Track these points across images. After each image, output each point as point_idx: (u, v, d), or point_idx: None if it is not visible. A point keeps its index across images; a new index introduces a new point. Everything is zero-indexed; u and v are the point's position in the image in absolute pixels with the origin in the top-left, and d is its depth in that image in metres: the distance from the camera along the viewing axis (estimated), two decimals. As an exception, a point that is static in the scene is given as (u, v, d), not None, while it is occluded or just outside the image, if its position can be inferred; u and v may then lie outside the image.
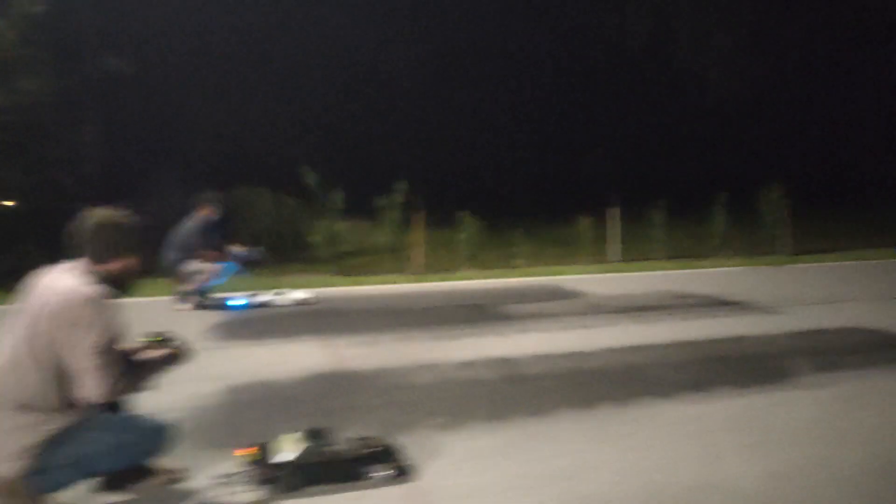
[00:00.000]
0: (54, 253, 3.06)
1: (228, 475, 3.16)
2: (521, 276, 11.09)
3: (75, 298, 2.63)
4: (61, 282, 2.69)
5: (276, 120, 15.68)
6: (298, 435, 3.27)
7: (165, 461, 3.13)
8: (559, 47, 19.60)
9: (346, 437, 3.41)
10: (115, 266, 2.83)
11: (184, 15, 15.13)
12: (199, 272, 8.13)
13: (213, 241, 8.33)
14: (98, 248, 2.80)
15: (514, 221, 13.62)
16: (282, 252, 13.28)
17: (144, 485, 3.09)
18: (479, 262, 11.90)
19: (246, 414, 4.32)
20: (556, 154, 18.91)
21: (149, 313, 8.19)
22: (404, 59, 17.52)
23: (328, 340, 6.32)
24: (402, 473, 3.24)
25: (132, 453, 2.83)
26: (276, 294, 8.48)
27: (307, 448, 3.15)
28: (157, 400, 4.49)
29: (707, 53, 21.89)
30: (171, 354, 2.97)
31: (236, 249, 8.53)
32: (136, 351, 2.95)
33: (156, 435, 2.88)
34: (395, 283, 10.51)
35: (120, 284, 2.85)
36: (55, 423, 2.65)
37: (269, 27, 16.24)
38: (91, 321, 2.61)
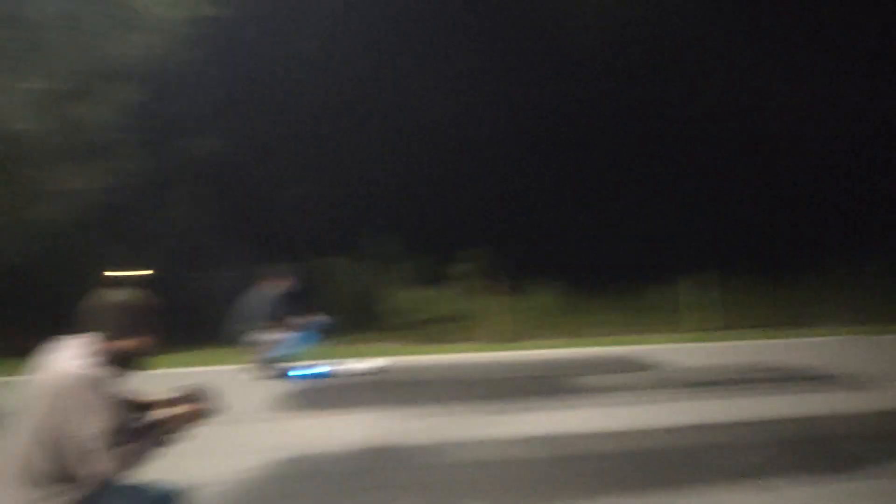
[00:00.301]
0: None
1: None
2: (599, 345, 10.73)
3: (76, 382, 2.67)
4: (65, 362, 2.75)
5: (349, 188, 16.16)
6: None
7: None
8: (650, 108, 19.30)
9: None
10: (128, 344, 2.88)
11: (262, 97, 16.13)
12: (269, 342, 8.30)
13: (283, 311, 8.52)
14: (115, 326, 2.85)
15: (596, 286, 13.27)
16: (358, 321, 13.48)
17: None
18: (558, 329, 11.62)
19: (283, 489, 4.27)
20: (646, 214, 18.45)
21: (216, 382, 8.41)
22: (487, 124, 17.78)
23: (386, 412, 6.24)
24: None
25: None
26: (343, 364, 8.51)
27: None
28: (201, 469, 4.59)
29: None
30: (192, 412, 2.94)
31: (306, 319, 8.67)
32: (156, 405, 2.97)
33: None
34: (467, 351, 10.40)
35: (129, 362, 2.89)
36: (67, 497, 2.67)
37: (343, 99, 16.91)
38: (92, 404, 2.64)
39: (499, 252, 11.79)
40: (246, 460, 4.81)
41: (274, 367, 8.42)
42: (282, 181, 16.09)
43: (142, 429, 2.78)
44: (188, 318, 13.90)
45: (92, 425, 2.61)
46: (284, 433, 5.66)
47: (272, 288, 8.50)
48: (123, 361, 2.86)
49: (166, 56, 12.23)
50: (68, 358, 2.77)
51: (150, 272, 16.01)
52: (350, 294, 14.62)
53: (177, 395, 3.04)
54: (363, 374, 8.37)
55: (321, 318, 8.79)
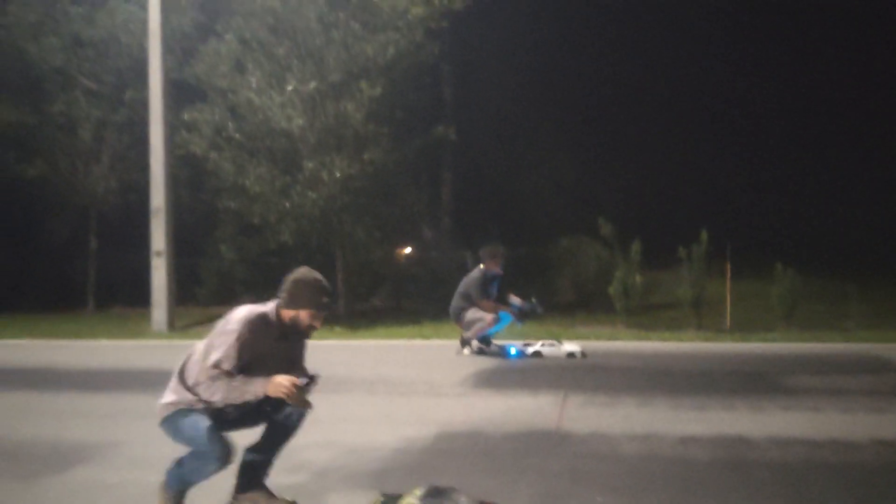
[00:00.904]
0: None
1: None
2: (844, 341, 9.50)
3: (228, 317, 3.33)
4: (245, 306, 3.43)
5: (560, 167, 16.08)
6: (420, 491, 3.37)
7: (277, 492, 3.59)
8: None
9: (472, 499, 3.39)
10: (287, 314, 3.42)
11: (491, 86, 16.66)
12: (478, 321, 8.68)
13: (493, 292, 8.84)
14: (285, 297, 3.43)
15: (841, 275, 11.74)
16: (581, 303, 13.41)
17: (266, 502, 3.56)
18: (796, 321, 10.50)
19: (430, 462, 4.51)
20: None
21: (429, 355, 9.02)
22: (706, 99, 16.56)
23: (568, 397, 6.24)
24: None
25: (188, 458, 3.33)
26: (549, 345, 8.60)
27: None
28: (367, 433, 5.04)
29: None
30: (288, 392, 3.24)
31: (514, 301, 8.90)
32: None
33: (205, 456, 3.26)
34: (688, 340, 9.86)
35: (290, 330, 3.45)
36: (184, 397, 3.32)
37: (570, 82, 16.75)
38: (226, 337, 3.25)
39: (733, 236, 10.91)
40: (413, 430, 5.15)
41: (483, 344, 8.80)
42: (521, 167, 16.57)
43: (239, 385, 3.25)
44: (419, 294, 15.04)
45: (212, 352, 3.23)
46: (462, 409, 5.95)
47: (483, 270, 8.84)
48: (284, 326, 3.43)
49: (412, 51, 13.16)
50: (249, 306, 3.43)
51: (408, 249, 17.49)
52: (578, 276, 14.63)
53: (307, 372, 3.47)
54: (569, 356, 8.38)
55: (529, 301, 8.94)
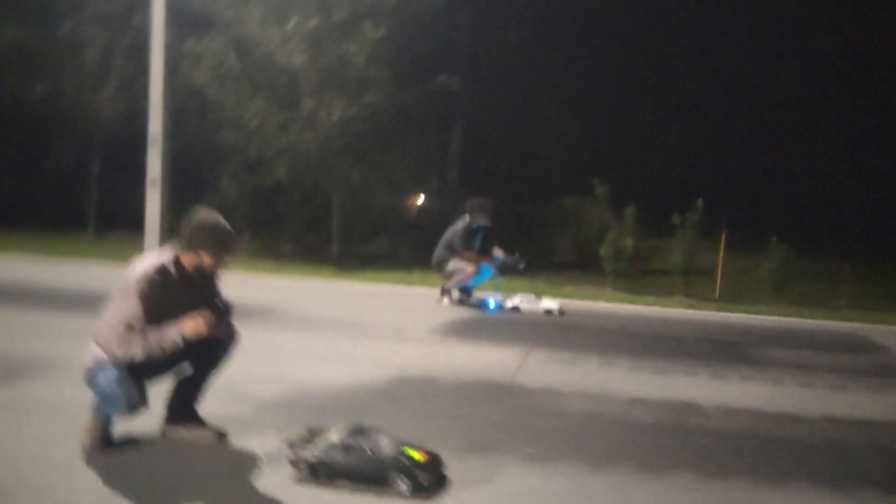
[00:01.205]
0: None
1: (269, 453, 3.40)
2: (830, 318, 9.40)
3: (132, 271, 3.25)
4: (139, 261, 3.30)
5: (569, 127, 15.83)
6: (343, 427, 3.37)
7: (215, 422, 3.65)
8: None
9: (395, 440, 3.38)
10: (188, 258, 3.34)
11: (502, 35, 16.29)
12: (459, 271, 8.64)
13: (476, 244, 8.77)
14: (184, 241, 3.35)
15: (841, 253, 11.56)
16: (579, 264, 13.34)
17: (195, 431, 3.62)
18: (786, 297, 10.39)
19: (374, 404, 4.51)
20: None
21: (409, 302, 9.01)
22: (708, 68, 16.14)
23: (532, 352, 6.22)
24: (420, 491, 3.14)
25: (101, 398, 3.31)
26: (528, 300, 8.56)
27: (332, 444, 3.25)
28: (321, 372, 5.05)
29: None
30: (202, 324, 3.25)
31: (497, 254, 8.84)
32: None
33: (112, 401, 3.26)
34: (668, 306, 9.80)
35: (191, 275, 3.36)
36: (101, 356, 3.27)
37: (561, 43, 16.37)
38: (128, 295, 3.17)
39: (728, 206, 10.75)
40: (369, 373, 5.17)
41: (464, 295, 8.79)
42: (531, 123, 16.35)
43: (154, 338, 3.21)
44: (418, 242, 15.01)
45: (119, 312, 3.13)
46: (425, 356, 5.94)
47: (468, 221, 8.75)
48: (186, 272, 3.35)
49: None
50: (144, 258, 3.30)
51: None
52: (579, 236, 14.53)
53: (219, 304, 3.42)
54: (546, 312, 8.35)
55: (512, 256, 8.88)
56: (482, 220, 8.76)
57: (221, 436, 3.65)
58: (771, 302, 10.30)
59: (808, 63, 16.32)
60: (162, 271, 3.29)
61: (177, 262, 3.35)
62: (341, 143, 12.64)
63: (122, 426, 3.51)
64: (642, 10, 16.66)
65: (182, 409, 3.65)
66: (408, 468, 3.19)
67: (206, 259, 3.35)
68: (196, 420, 3.67)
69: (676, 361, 6.17)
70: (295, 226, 15.15)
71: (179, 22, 13.32)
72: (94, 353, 3.29)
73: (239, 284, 10.02)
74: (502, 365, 5.70)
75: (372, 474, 3.18)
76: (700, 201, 10.58)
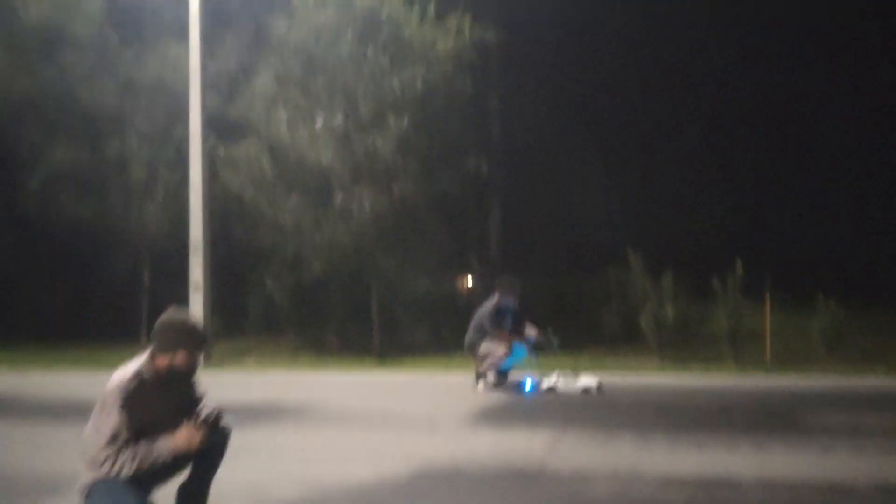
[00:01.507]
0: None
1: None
2: (890, 374, 8.91)
3: (108, 387, 3.24)
4: (120, 369, 3.30)
5: (606, 197, 15.82)
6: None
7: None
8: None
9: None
10: (163, 360, 3.34)
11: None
12: (491, 354, 8.51)
13: (507, 323, 8.67)
14: (157, 343, 3.37)
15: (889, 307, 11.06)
16: (623, 336, 13.04)
17: None
18: (841, 354, 9.92)
19: (391, 501, 4.39)
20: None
21: (444, 389, 8.89)
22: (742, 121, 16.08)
23: (563, 435, 6.02)
24: None
25: None
26: (565, 379, 8.35)
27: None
28: (344, 470, 4.95)
29: None
30: (190, 437, 3.24)
31: (530, 333, 8.71)
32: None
33: None
34: (716, 375, 9.44)
35: (167, 377, 3.35)
36: (97, 473, 3.23)
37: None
38: (110, 409, 3.17)
39: (771, 263, 10.45)
40: (397, 468, 5.03)
41: (500, 378, 8.63)
42: (569, 198, 16.46)
43: (142, 451, 3.19)
44: (453, 326, 14.94)
45: (103, 427, 3.15)
46: (457, 445, 5.77)
47: (504, 300, 8.69)
48: (162, 375, 3.34)
49: (443, 84, 13.26)
50: (125, 366, 3.33)
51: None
52: (623, 307, 14.25)
53: (205, 414, 3.40)
54: (584, 391, 8.12)
55: (544, 333, 8.73)
56: (510, 299, 8.69)
57: None
58: (825, 362, 9.85)
59: (837, 106, 16.18)
60: (137, 377, 3.28)
61: (152, 365, 3.34)
62: (374, 234, 12.84)
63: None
64: (667, 70, 16.84)
65: None
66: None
67: (180, 359, 3.34)
68: None
69: (718, 434, 5.89)
70: (337, 319, 15.31)
71: (216, 130, 14.07)
72: (89, 471, 3.26)
73: (279, 383, 10.14)
74: (531, 450, 5.51)
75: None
76: (739, 262, 10.33)
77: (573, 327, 15.22)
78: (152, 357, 3.35)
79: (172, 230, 16.44)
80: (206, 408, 3.45)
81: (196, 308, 12.81)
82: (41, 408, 8.18)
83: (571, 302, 15.91)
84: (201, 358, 3.46)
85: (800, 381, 8.87)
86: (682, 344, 11.40)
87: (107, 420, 3.20)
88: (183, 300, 14.44)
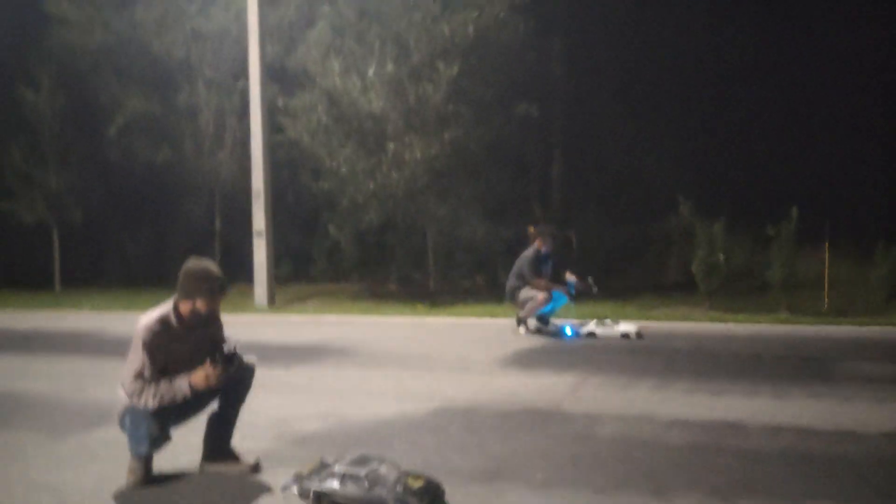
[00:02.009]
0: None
1: (283, 485, 3.63)
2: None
3: (138, 325, 3.62)
4: (148, 312, 3.68)
5: (669, 144, 15.37)
6: (349, 458, 3.57)
7: (249, 455, 3.94)
8: None
9: (398, 469, 3.51)
10: (185, 306, 3.68)
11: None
12: (531, 300, 8.67)
13: (547, 270, 8.79)
14: (180, 290, 3.70)
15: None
16: (679, 282, 12.91)
17: (229, 465, 3.91)
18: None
19: (406, 435, 4.63)
20: None
21: (487, 333, 9.12)
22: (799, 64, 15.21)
23: (587, 379, 6.17)
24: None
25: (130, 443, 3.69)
26: (603, 325, 8.45)
27: (333, 474, 3.44)
28: (369, 406, 5.26)
29: None
30: (206, 375, 3.59)
31: (570, 279, 8.80)
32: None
33: (138, 441, 3.64)
34: (762, 323, 9.31)
35: (190, 321, 3.69)
36: (123, 405, 3.68)
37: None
38: (136, 348, 3.55)
39: (828, 209, 10.11)
40: (418, 406, 5.31)
41: (541, 323, 8.80)
42: (632, 144, 16.11)
43: (163, 388, 3.58)
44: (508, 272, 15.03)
45: (131, 365, 3.55)
46: (482, 386, 6.01)
47: (534, 248, 8.80)
48: (185, 319, 3.69)
49: (495, 28, 13.12)
50: (151, 310, 3.69)
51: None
52: (673, 256, 14.09)
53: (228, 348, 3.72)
54: (623, 336, 8.21)
55: (583, 280, 8.80)
56: (546, 247, 8.78)
57: (255, 469, 3.94)
58: (885, 312, 9.56)
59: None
60: (163, 321, 3.64)
61: (176, 311, 3.69)
62: (426, 181, 13.01)
63: (168, 463, 3.91)
64: (733, 21, 16.13)
65: (217, 446, 3.98)
66: (402, 496, 3.33)
67: (200, 304, 3.67)
68: (231, 456, 3.99)
69: (740, 381, 5.92)
70: (396, 265, 15.71)
71: (277, 80, 14.42)
72: (120, 399, 3.70)
73: (332, 325, 10.57)
74: (553, 393, 5.70)
75: (369, 503, 3.36)
76: (795, 209, 10.04)
77: (635, 275, 15.21)
78: (176, 303, 3.70)
79: (241, 177, 17.12)
80: (226, 348, 3.77)
81: (259, 254, 13.41)
82: (117, 344, 8.86)
83: (633, 250, 15.82)
84: (219, 303, 3.77)
85: (852, 331, 8.67)
86: (734, 292, 11.24)
87: (134, 358, 3.60)
88: (251, 245, 15.17)
